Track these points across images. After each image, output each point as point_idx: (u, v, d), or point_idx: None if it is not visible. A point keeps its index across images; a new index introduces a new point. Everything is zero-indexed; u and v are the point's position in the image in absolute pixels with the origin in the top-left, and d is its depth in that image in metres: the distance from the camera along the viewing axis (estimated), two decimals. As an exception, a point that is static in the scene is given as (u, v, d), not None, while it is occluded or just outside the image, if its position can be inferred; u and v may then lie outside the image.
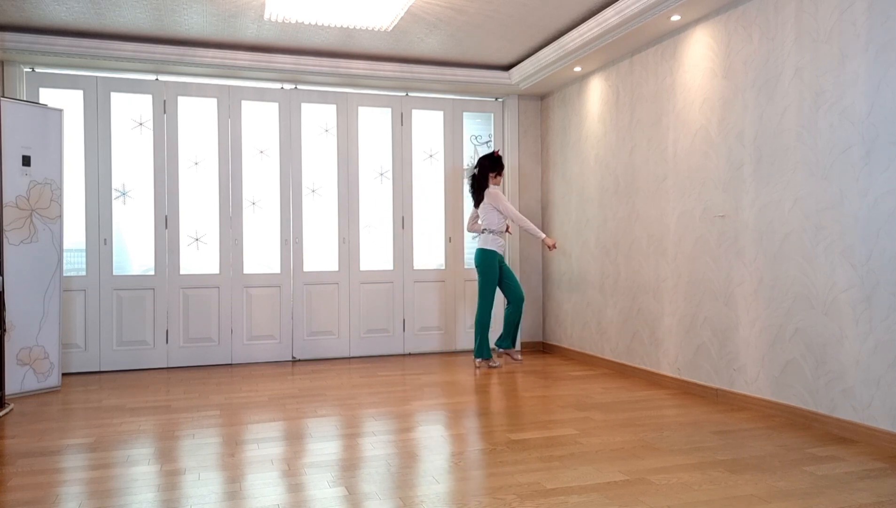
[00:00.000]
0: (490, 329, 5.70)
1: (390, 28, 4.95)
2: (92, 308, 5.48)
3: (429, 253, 6.41)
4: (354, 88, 6.11)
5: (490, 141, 6.57)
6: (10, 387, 4.49)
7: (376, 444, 3.35)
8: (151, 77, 5.63)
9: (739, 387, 4.10)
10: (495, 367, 5.49)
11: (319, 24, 4.88)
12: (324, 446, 3.32)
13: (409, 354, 6.25)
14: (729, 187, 4.17)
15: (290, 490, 2.71)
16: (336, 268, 6.09)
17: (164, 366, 5.65)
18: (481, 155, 5.71)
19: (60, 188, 4.82)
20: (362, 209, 6.17)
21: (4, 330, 4.26)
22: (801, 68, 3.67)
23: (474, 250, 5.57)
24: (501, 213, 5.45)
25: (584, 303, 5.83)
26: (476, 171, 5.61)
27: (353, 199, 6.12)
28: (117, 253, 5.59)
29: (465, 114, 6.48)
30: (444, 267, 6.38)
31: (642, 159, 5.00)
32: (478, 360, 5.49)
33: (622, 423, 3.70)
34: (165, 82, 5.65)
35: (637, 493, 2.63)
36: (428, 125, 6.38)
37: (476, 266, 5.49)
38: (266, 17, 4.71)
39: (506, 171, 6.45)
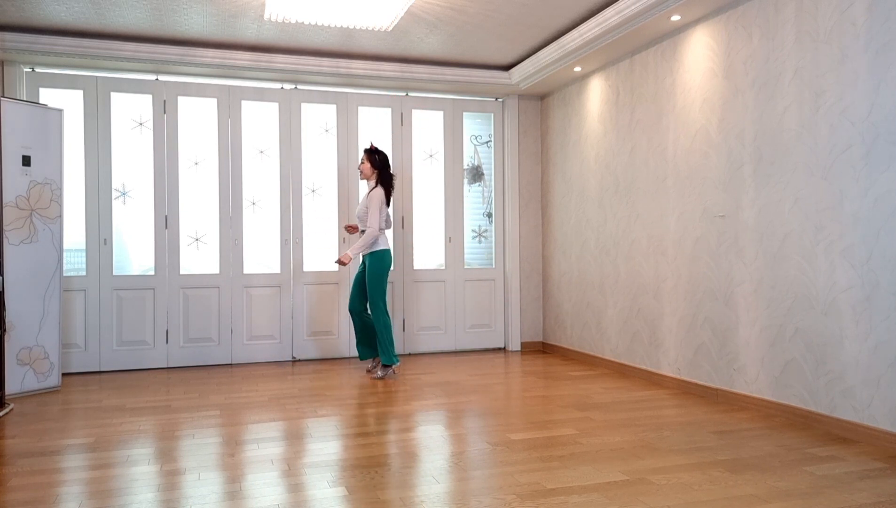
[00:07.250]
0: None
1: (390, 28, 4.95)
2: (92, 308, 5.48)
3: (429, 253, 6.41)
4: (354, 88, 6.11)
5: (490, 141, 6.57)
6: (10, 387, 4.49)
7: (376, 444, 3.35)
8: (151, 77, 5.63)
9: (739, 387, 4.10)
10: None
11: (319, 24, 4.87)
12: (324, 446, 3.32)
13: (410, 353, 6.25)
14: (729, 187, 4.17)
15: (290, 490, 2.71)
16: (336, 268, 6.08)
17: (164, 366, 5.65)
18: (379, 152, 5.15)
19: (60, 188, 4.82)
20: (362, 209, 6.17)
21: (4, 330, 4.26)
22: (801, 68, 3.66)
23: (382, 251, 4.99)
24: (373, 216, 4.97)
25: (584, 303, 5.83)
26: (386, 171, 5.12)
27: (353, 199, 6.11)
28: (117, 253, 5.59)
29: (465, 114, 6.48)
30: (444, 267, 6.38)
31: (642, 159, 5.00)
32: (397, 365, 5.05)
33: (622, 423, 3.70)
34: (165, 82, 5.65)
35: (637, 493, 2.63)
36: (428, 125, 6.38)
37: (387, 269, 5.02)
38: (266, 17, 4.71)
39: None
